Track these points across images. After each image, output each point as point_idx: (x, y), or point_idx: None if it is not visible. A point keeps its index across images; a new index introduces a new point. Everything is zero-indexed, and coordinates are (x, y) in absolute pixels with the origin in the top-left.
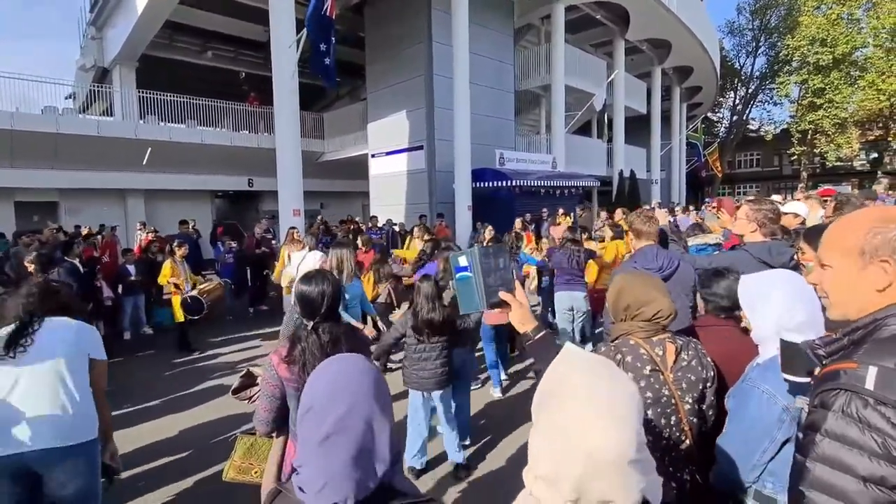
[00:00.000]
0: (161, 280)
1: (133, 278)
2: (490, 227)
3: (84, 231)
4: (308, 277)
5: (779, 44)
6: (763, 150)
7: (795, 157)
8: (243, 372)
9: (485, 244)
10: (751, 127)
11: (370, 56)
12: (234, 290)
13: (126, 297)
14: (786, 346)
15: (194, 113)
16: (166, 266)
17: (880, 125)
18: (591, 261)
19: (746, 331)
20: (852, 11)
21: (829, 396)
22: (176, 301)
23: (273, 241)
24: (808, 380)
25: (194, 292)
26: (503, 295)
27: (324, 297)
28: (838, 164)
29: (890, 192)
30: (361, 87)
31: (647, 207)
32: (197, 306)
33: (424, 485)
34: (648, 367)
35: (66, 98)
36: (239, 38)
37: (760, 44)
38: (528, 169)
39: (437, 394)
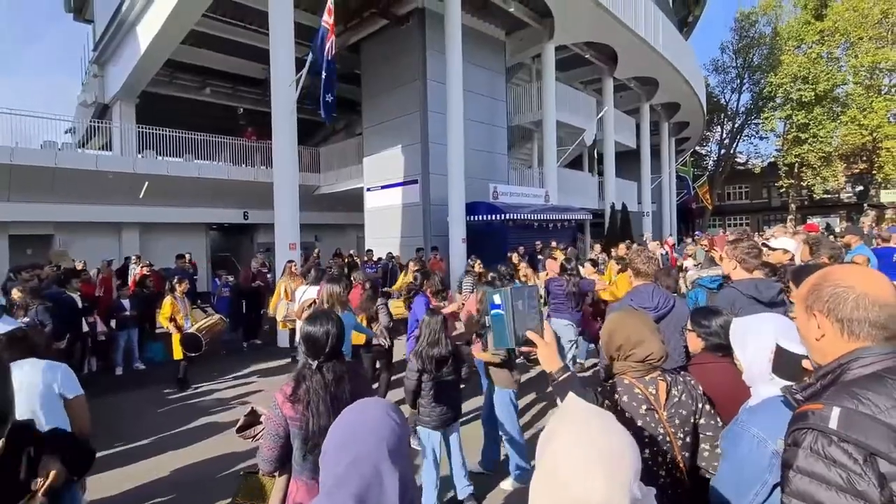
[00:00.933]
0: (161, 318)
1: (127, 313)
2: (479, 261)
3: (78, 266)
4: (313, 318)
5: (762, 81)
6: (751, 183)
7: (784, 189)
8: (248, 410)
9: (477, 277)
10: (738, 160)
11: (366, 93)
12: (231, 325)
13: (120, 331)
14: (780, 351)
15: (191, 147)
16: (166, 304)
17: (864, 158)
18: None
19: None
20: (831, 51)
21: (799, 435)
22: (175, 338)
23: (268, 275)
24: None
25: (193, 329)
26: (530, 334)
27: (328, 337)
28: (826, 196)
29: (875, 226)
30: (356, 122)
31: (643, 239)
32: (195, 344)
33: None
34: (644, 407)
35: (65, 133)
36: (237, 76)
37: (744, 81)
38: (522, 202)
39: (452, 427)
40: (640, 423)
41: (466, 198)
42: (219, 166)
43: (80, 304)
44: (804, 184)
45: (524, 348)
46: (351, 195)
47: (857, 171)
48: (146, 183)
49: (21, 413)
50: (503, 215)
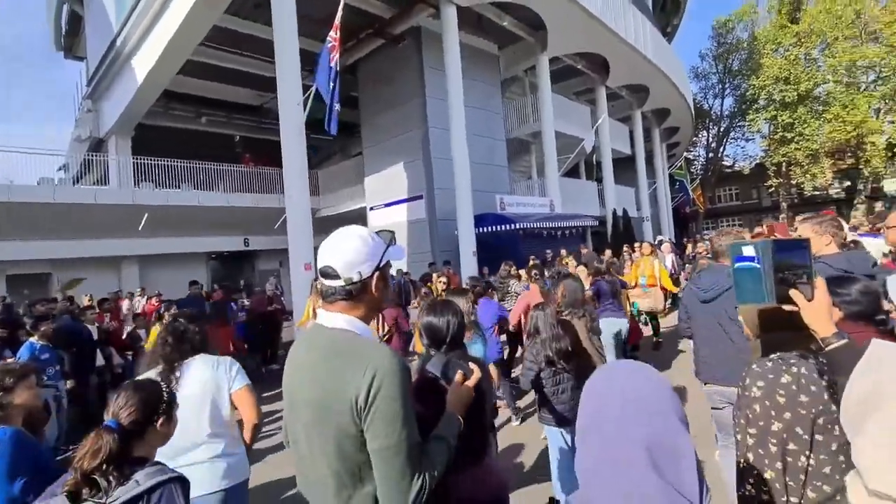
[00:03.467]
0: (147, 347)
1: (143, 344)
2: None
3: (86, 301)
4: (432, 307)
5: (744, 85)
6: (741, 185)
7: (773, 188)
8: None
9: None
10: (726, 163)
11: (364, 113)
12: (248, 349)
13: (138, 363)
14: None
15: (189, 176)
16: (153, 332)
17: (850, 154)
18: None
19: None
20: (809, 51)
21: None
22: None
23: (282, 297)
24: None
25: None
26: (793, 293)
27: (449, 327)
28: (815, 193)
29: (867, 217)
30: (352, 144)
31: (657, 241)
32: None
33: None
34: (825, 379)
35: (57, 170)
36: (232, 103)
37: (726, 86)
38: (529, 212)
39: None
40: (826, 395)
41: (473, 210)
42: (218, 195)
43: (95, 336)
44: (793, 182)
45: (785, 306)
46: (351, 217)
47: (845, 166)
48: (146, 214)
49: (190, 417)
50: (513, 225)
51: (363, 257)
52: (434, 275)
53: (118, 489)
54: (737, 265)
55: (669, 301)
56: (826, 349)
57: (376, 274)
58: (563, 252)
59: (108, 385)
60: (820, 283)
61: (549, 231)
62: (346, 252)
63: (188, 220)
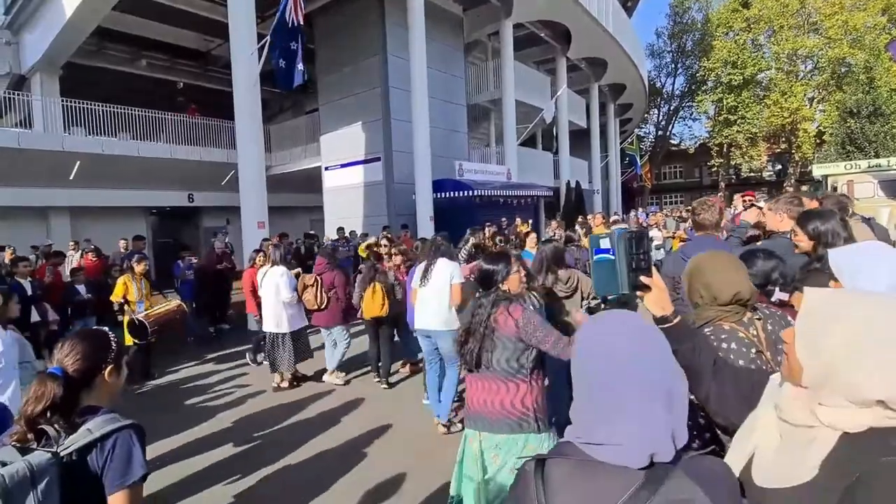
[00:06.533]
0: (114, 297)
1: (83, 298)
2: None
3: (8, 254)
4: (491, 257)
5: (695, 65)
6: (685, 163)
7: (715, 168)
8: None
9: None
10: (673, 141)
11: (321, 68)
12: (196, 309)
13: (75, 320)
14: None
15: (128, 124)
16: (119, 283)
17: (783, 139)
18: None
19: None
20: (756, 37)
21: None
22: (126, 322)
23: (233, 257)
24: None
25: (141, 315)
26: (645, 279)
27: (496, 275)
28: (750, 174)
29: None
30: (305, 100)
31: (605, 214)
32: (141, 332)
33: None
34: (753, 350)
35: None
36: (175, 47)
37: (678, 65)
38: (486, 179)
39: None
40: (753, 367)
41: (431, 175)
42: (161, 146)
43: (29, 292)
44: (732, 163)
45: (639, 293)
46: (303, 176)
47: (778, 151)
48: (77, 163)
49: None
50: (471, 192)
51: None
52: (382, 239)
53: (69, 437)
54: (595, 258)
55: None
56: (669, 325)
57: None
58: (519, 220)
59: (41, 343)
60: (654, 272)
61: (505, 199)
62: None
63: (126, 171)
